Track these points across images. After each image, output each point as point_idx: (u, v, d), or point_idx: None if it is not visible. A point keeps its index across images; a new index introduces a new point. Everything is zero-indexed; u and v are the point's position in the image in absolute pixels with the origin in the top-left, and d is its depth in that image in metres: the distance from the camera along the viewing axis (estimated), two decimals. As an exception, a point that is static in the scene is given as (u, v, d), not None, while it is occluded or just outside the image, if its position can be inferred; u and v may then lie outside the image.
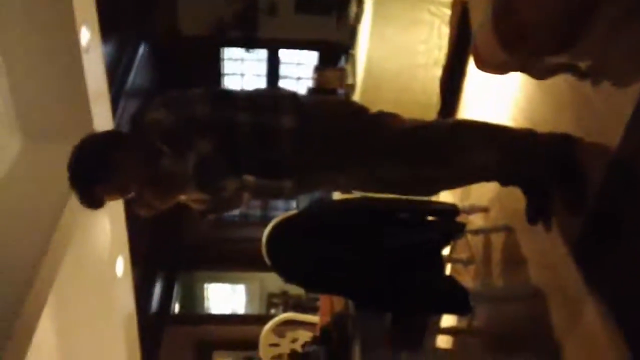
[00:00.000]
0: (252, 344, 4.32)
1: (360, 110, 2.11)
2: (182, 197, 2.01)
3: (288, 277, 2.35)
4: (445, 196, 3.45)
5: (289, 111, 1.96)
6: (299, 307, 8.06)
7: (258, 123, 1.94)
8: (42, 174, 2.67)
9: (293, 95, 2.05)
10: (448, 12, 3.48)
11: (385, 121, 2.07)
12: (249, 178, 1.99)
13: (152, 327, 6.66)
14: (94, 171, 1.82)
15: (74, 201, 2.59)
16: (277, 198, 2.18)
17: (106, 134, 1.99)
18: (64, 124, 2.75)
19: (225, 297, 11.77)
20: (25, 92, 2.69)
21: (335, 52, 5.72)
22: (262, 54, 8.72)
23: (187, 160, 1.88)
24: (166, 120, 1.86)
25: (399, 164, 2.05)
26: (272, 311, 9.10)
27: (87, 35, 2.71)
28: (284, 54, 8.80)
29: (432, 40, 3.54)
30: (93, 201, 1.88)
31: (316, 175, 2.07)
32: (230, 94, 2.05)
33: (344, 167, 2.05)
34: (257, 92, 2.08)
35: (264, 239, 2.26)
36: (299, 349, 2.68)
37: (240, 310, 11.60)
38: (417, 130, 2.07)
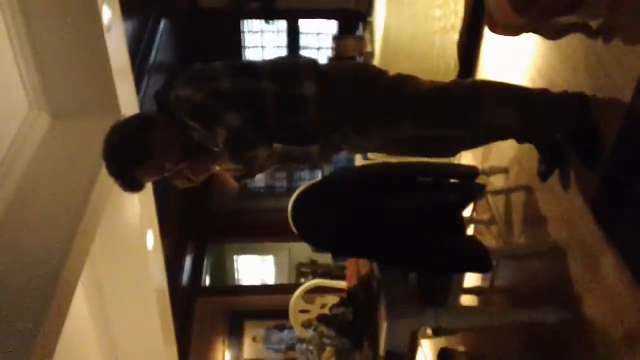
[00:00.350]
0: (282, 313, 4.43)
1: (379, 73, 2.14)
2: (216, 168, 2.08)
3: (314, 243, 2.40)
4: (466, 158, 3.48)
5: (310, 77, 1.99)
6: (328, 275, 8.15)
7: (282, 91, 1.96)
8: (71, 151, 2.74)
9: (312, 62, 2.07)
10: (463, -24, 3.46)
11: (404, 83, 2.09)
12: (276, 145, 2.04)
13: (184, 299, 6.83)
14: (130, 158, 1.91)
15: (103, 176, 2.68)
16: (304, 163, 2.22)
17: (134, 119, 2.04)
18: (90, 101, 2.82)
19: (254, 269, 11.96)
20: (51, 71, 2.75)
21: (353, 21, 5.69)
22: (282, 25, 8.71)
23: (218, 134, 1.92)
24: (193, 97, 1.89)
25: (419, 124, 2.08)
26: (302, 280, 9.21)
27: (108, 13, 2.76)
28: (303, 24, 8.78)
29: (448, 5, 3.52)
30: (134, 186, 1.97)
31: (340, 138, 2.11)
32: (252, 64, 2.09)
33: (366, 129, 2.08)
34: (277, 61, 2.12)
35: (289, 207, 2.31)
36: (328, 313, 2.74)
37: (270, 281, 11.78)
38: (436, 90, 2.10)
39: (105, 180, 2.70)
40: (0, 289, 2.21)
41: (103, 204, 2.79)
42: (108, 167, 1.93)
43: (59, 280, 2.27)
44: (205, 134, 1.96)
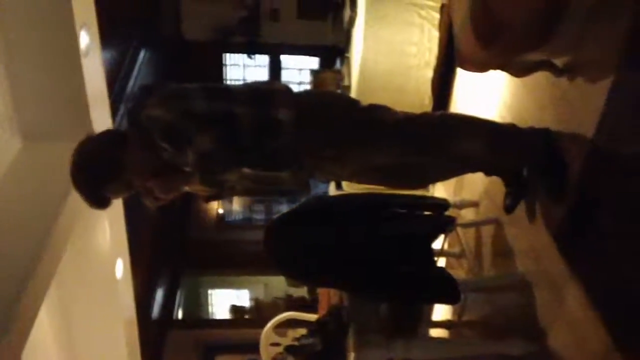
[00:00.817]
0: (254, 346, 4.36)
1: (353, 102, 2.17)
2: (186, 188, 2.07)
3: (286, 270, 2.38)
4: (439, 191, 3.52)
5: (285, 104, 1.99)
6: (303, 309, 8.09)
7: (257, 115, 1.96)
8: (41, 174, 2.73)
9: (287, 88, 2.08)
10: (437, 16, 3.56)
11: (377, 112, 2.12)
12: (247, 170, 2.05)
13: (155, 332, 6.71)
14: (99, 173, 1.88)
15: (72, 201, 2.66)
16: (276, 189, 2.21)
17: (106, 135, 2.02)
18: (63, 125, 2.81)
19: (229, 303, 11.81)
20: (25, 93, 2.75)
21: (334, 56, 5.81)
22: (264, 59, 8.83)
23: (187, 156, 1.91)
24: (164, 117, 1.88)
25: (390, 152, 2.10)
26: (276, 315, 9.10)
27: (86, 39, 2.77)
28: (285, 59, 8.91)
29: (423, 42, 3.61)
30: (100, 202, 1.95)
31: (312, 164, 2.12)
32: (227, 88, 2.09)
33: (338, 156, 2.09)
34: (252, 86, 2.13)
35: (263, 234, 2.29)
36: (296, 344, 2.71)
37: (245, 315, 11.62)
38: (408, 120, 2.13)
39: (74, 204, 2.69)
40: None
41: (71, 228, 2.76)
42: (75, 181, 1.90)
43: (21, 302, 2.24)
44: (176, 154, 1.96)
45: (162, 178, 1.99)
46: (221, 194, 2.05)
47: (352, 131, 2.07)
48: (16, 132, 2.85)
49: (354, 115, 2.09)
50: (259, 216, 9.74)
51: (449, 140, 2.11)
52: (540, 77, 2.27)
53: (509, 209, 2.38)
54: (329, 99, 2.17)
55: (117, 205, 3.64)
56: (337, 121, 2.06)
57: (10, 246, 2.44)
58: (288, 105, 2.00)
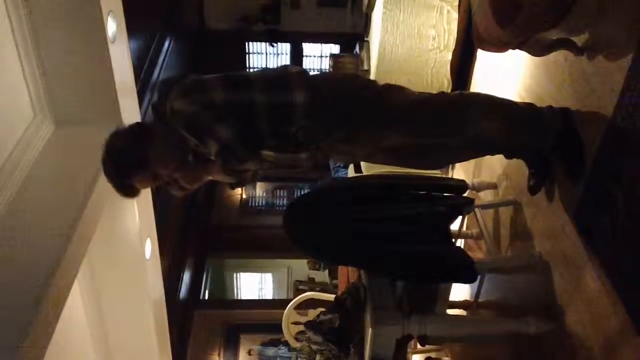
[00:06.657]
0: (277, 327, 4.48)
1: (369, 83, 2.21)
2: (208, 178, 2.16)
3: (305, 249, 2.45)
4: (457, 173, 3.55)
5: (300, 86, 2.04)
6: (325, 292, 8.22)
7: (272, 100, 2.02)
8: (72, 157, 2.84)
9: (302, 71, 2.13)
10: (457, -3, 3.57)
11: (392, 93, 2.15)
12: (268, 153, 2.12)
13: (182, 311, 6.85)
14: (126, 167, 1.98)
15: (101, 183, 2.76)
16: (295, 169, 2.28)
17: (134, 129, 2.10)
18: (92, 110, 2.89)
19: (254, 286, 12.00)
20: (56, 79, 2.83)
21: (352, 42, 5.84)
22: (286, 47, 8.87)
23: (210, 146, 1.99)
24: (186, 110, 1.96)
25: (406, 133, 2.14)
26: (299, 297, 9.23)
27: (113, 26, 2.84)
28: (306, 46, 8.94)
29: (442, 25, 3.62)
30: (128, 191, 2.05)
31: (330, 146, 2.16)
32: (244, 76, 2.14)
33: (355, 138, 2.14)
34: (268, 72, 2.19)
35: (283, 215, 2.35)
36: (316, 319, 2.78)
37: (269, 297, 11.82)
38: (423, 101, 2.16)
39: (103, 186, 2.78)
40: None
41: (100, 209, 2.85)
42: (106, 173, 2.01)
43: (53, 281, 2.32)
44: (200, 145, 2.04)
45: (187, 169, 2.08)
46: (245, 181, 2.12)
47: (365, 113, 2.10)
48: (48, 117, 2.95)
49: (367, 96, 2.12)
50: (281, 201, 9.85)
51: (466, 120, 2.13)
52: (558, 56, 2.27)
53: (533, 190, 2.39)
54: (343, 80, 2.20)
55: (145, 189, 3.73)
56: (351, 103, 2.09)
57: (42, 227, 2.52)
58: (302, 86, 2.05)
